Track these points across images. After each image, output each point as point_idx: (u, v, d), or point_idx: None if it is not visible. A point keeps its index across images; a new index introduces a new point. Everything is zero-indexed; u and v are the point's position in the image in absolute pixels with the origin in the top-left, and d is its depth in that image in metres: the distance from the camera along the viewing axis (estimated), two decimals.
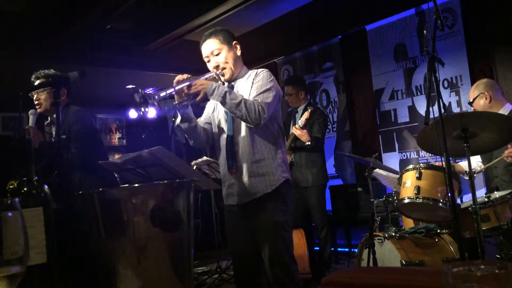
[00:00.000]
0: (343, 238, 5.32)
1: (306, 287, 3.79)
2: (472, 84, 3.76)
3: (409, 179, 2.93)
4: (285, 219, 2.27)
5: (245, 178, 2.26)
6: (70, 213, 1.79)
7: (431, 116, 1.98)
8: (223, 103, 2.18)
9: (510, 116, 3.06)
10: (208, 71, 2.40)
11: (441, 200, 2.78)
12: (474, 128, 2.33)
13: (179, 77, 2.20)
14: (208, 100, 2.27)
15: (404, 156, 5.19)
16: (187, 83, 2.16)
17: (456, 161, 3.48)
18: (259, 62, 6.07)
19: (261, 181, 2.25)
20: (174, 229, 1.15)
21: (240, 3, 4.78)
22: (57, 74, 2.87)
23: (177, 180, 1.27)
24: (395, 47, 5.24)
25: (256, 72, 2.36)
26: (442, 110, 2.02)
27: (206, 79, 2.27)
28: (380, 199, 3.74)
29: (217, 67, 2.36)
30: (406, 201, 2.89)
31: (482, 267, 0.65)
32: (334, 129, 5.92)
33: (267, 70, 2.38)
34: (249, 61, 2.88)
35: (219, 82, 2.31)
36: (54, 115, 2.93)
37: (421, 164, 2.98)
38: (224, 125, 2.38)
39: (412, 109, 5.11)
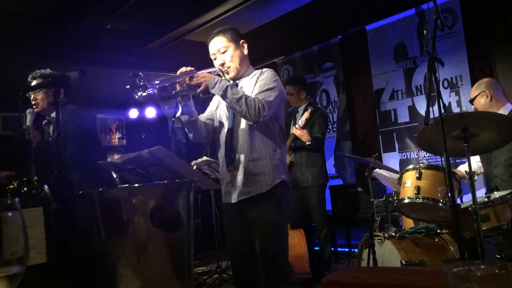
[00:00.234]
0: (343, 238, 5.31)
1: (306, 287, 3.79)
2: (472, 84, 3.76)
3: (409, 179, 2.93)
4: (280, 221, 2.27)
5: (241, 176, 2.26)
6: (69, 213, 1.79)
7: (431, 116, 1.98)
8: (224, 97, 2.18)
9: (510, 116, 3.06)
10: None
11: (441, 200, 2.78)
12: (474, 128, 2.33)
13: (183, 68, 2.22)
14: (209, 93, 2.27)
15: (404, 156, 5.19)
16: (190, 74, 2.17)
17: (456, 161, 3.48)
18: (259, 62, 6.06)
19: (256, 181, 2.25)
20: (174, 229, 1.15)
21: (240, 3, 4.79)
22: (54, 73, 2.86)
23: (177, 180, 1.27)
24: (395, 47, 5.24)
25: (261, 71, 2.37)
26: (442, 110, 2.02)
27: (209, 73, 2.28)
28: (380, 199, 3.73)
29: (222, 65, 2.36)
30: (406, 201, 2.89)
31: (482, 267, 0.65)
32: (334, 129, 5.92)
33: (272, 70, 2.39)
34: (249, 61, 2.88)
35: (222, 77, 2.32)
36: (51, 114, 2.93)
37: (421, 164, 2.98)
38: (225, 122, 2.38)
39: (412, 109, 5.11)
